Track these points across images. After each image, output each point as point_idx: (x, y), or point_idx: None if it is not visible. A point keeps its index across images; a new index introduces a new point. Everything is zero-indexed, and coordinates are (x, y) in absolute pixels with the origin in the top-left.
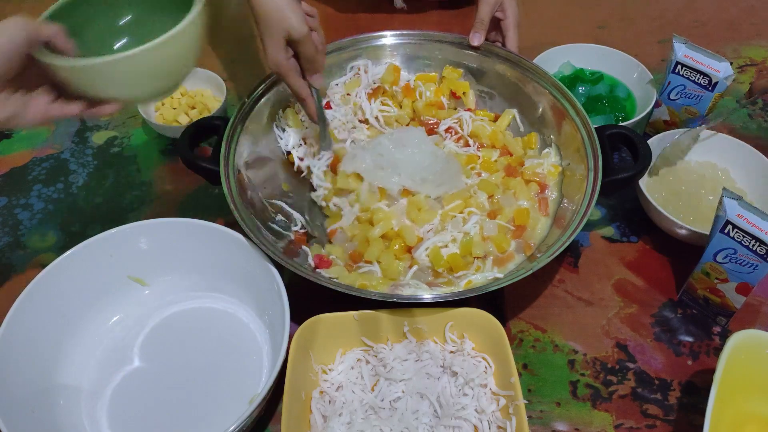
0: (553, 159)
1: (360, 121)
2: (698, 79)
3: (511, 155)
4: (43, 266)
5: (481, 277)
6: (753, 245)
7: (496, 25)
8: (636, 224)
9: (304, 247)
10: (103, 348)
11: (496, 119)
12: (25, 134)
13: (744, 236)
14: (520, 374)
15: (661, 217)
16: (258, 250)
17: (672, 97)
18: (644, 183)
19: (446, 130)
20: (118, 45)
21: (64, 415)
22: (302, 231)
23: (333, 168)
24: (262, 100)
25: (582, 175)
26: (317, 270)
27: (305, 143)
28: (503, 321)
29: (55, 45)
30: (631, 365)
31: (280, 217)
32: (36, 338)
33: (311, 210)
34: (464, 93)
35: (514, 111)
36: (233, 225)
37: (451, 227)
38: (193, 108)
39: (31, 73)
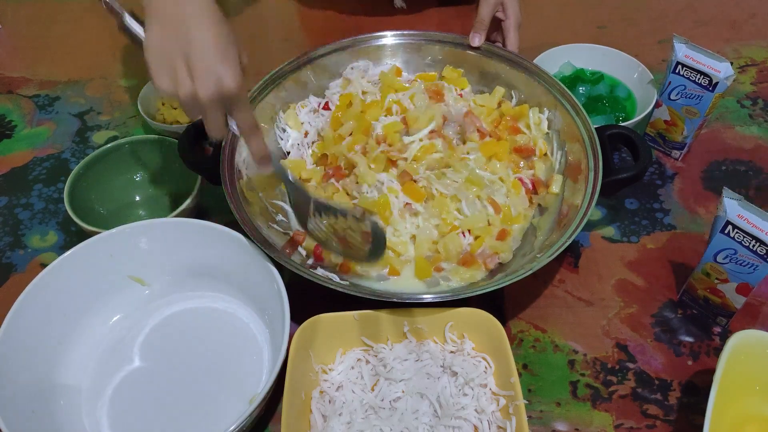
0: (540, 117)
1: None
2: (699, 79)
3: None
4: (43, 266)
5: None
6: (753, 246)
7: (497, 25)
8: (636, 224)
9: (300, 248)
10: (103, 348)
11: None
12: (25, 134)
13: (744, 237)
14: (520, 374)
15: None
16: (258, 250)
17: (672, 97)
18: None
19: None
20: (137, 198)
21: (64, 415)
22: (302, 230)
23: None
24: (262, 100)
25: (582, 175)
26: (316, 263)
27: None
28: (503, 321)
29: None
30: (631, 365)
31: (280, 217)
32: (36, 338)
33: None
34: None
35: (503, 89)
36: (233, 225)
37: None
38: None
39: None
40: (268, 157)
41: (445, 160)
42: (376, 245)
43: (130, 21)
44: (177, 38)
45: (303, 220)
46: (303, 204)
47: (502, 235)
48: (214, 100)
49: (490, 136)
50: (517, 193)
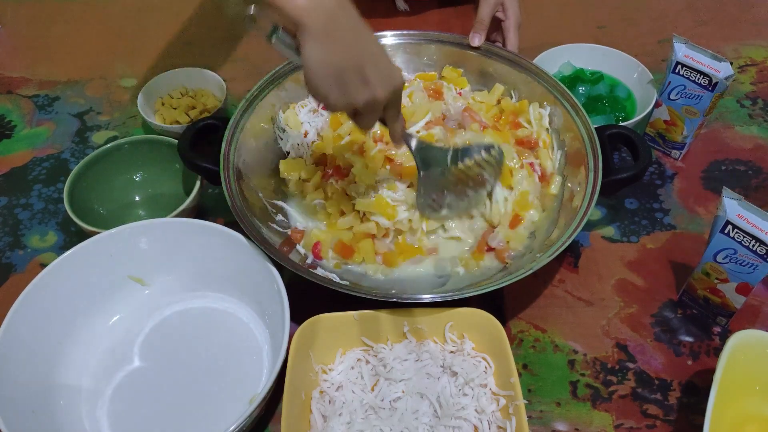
0: (540, 113)
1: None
2: (698, 79)
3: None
4: (43, 266)
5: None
6: (753, 245)
7: (497, 25)
8: (636, 224)
9: (298, 246)
10: (103, 348)
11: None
12: (25, 134)
13: (744, 236)
14: (520, 374)
15: None
16: (258, 250)
17: (672, 97)
18: None
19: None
20: (137, 198)
21: (64, 415)
22: (300, 228)
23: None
24: (262, 100)
25: (582, 175)
26: (315, 260)
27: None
28: (503, 321)
29: None
30: (631, 365)
31: (280, 217)
32: (36, 338)
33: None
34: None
35: (502, 86)
36: (233, 225)
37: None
38: (193, 108)
39: None
40: (402, 136)
41: (446, 143)
42: (497, 172)
43: (281, 38)
44: (345, 53)
45: (429, 185)
46: (438, 159)
47: (515, 222)
48: (389, 98)
49: (491, 129)
50: (530, 176)
